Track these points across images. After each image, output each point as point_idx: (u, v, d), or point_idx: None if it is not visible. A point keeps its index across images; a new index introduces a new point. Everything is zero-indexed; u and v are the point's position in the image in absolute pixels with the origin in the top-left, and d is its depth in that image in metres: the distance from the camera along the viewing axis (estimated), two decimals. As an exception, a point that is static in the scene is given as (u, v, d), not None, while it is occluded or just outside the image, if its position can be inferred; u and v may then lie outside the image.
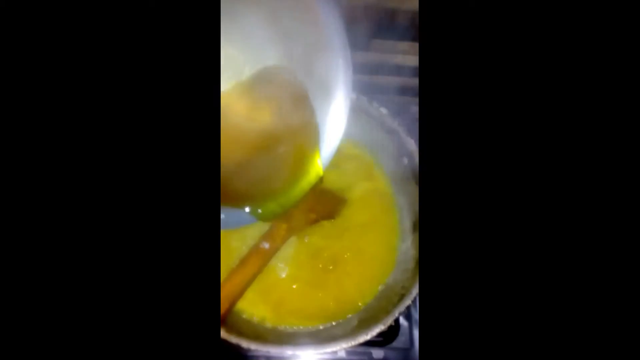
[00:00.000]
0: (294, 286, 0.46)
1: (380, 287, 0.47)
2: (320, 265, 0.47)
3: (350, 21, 0.47)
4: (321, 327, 0.45)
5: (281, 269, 0.47)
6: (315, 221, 0.48)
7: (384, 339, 0.50)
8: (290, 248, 0.47)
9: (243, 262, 0.42)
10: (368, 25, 0.48)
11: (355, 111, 0.51)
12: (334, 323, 0.45)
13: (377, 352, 0.50)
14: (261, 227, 0.46)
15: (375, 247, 0.49)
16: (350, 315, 0.46)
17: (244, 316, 0.45)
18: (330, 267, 0.47)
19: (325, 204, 0.49)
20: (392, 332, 0.50)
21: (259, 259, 0.43)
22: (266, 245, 0.44)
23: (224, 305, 0.40)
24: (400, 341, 0.51)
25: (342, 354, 0.48)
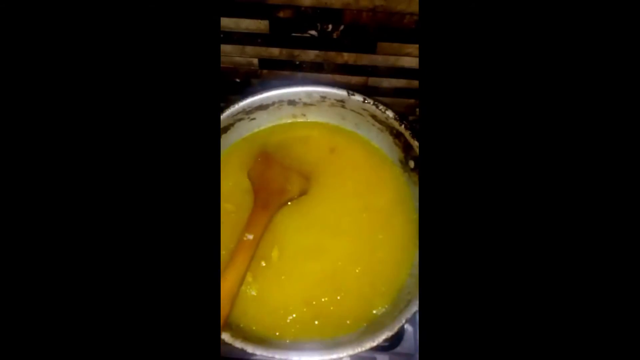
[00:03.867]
0: (305, 299, 0.46)
1: (396, 294, 0.46)
2: (336, 274, 0.47)
3: (357, 23, 0.47)
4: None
5: (293, 281, 0.46)
6: (290, 200, 0.49)
7: (389, 344, 0.50)
8: (304, 259, 0.47)
9: (232, 259, 0.43)
10: (374, 27, 0.48)
11: (363, 114, 0.51)
12: (348, 321, 0.45)
13: (382, 357, 0.50)
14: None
15: (391, 254, 0.48)
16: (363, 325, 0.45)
17: (254, 327, 0.44)
18: (348, 277, 0.47)
19: (294, 183, 0.49)
20: (397, 337, 0.50)
21: (246, 252, 0.43)
22: (250, 237, 0.44)
23: (226, 306, 0.40)
24: (404, 346, 0.50)
25: (347, 358, 0.48)
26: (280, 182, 0.49)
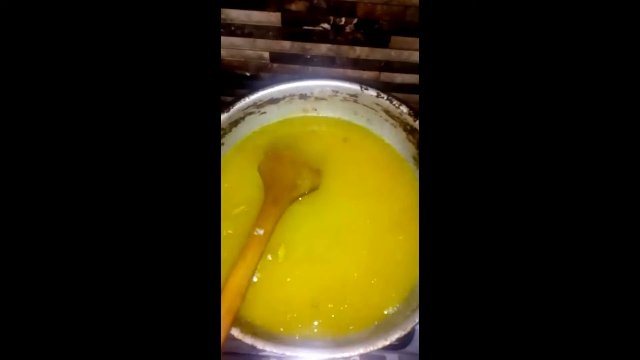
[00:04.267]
0: (314, 303, 0.45)
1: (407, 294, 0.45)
2: (353, 274, 0.46)
3: (371, 17, 0.46)
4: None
5: (298, 282, 0.45)
6: (301, 196, 0.48)
7: (399, 343, 0.49)
8: (312, 263, 0.46)
9: (242, 254, 0.42)
10: (388, 21, 0.47)
11: (375, 109, 0.50)
12: (351, 327, 0.44)
13: (391, 356, 0.50)
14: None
15: (404, 254, 0.47)
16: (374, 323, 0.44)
17: (258, 322, 0.44)
18: (362, 277, 0.46)
19: (305, 178, 0.49)
20: (407, 336, 0.49)
21: (257, 248, 0.43)
22: (260, 232, 0.44)
23: (236, 301, 0.39)
24: (414, 345, 0.50)
25: (356, 357, 0.47)
26: (291, 177, 0.48)
